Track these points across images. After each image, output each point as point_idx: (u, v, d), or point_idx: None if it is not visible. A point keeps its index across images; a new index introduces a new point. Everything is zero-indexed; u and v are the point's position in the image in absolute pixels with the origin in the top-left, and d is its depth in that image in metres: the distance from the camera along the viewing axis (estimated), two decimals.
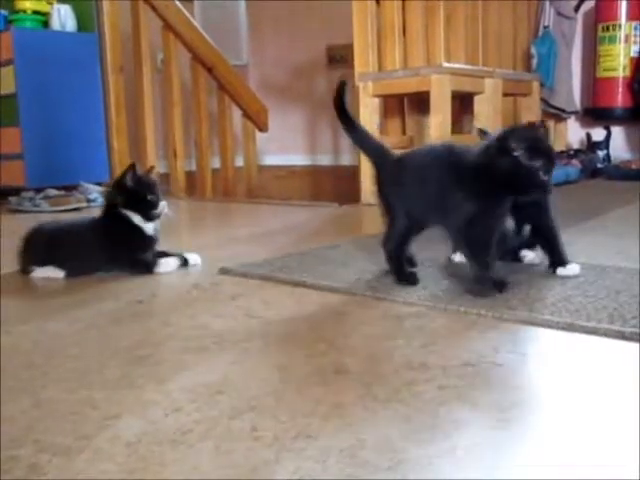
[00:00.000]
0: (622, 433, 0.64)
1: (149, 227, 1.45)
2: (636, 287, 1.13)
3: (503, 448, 0.63)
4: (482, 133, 1.27)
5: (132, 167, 1.43)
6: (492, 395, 0.74)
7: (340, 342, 0.94)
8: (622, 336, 0.91)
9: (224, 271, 1.40)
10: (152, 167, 1.65)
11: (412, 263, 1.29)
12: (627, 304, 1.04)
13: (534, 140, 1.09)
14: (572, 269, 1.24)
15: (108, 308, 1.19)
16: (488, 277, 1.13)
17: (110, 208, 1.45)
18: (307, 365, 0.85)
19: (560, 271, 1.24)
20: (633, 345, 0.88)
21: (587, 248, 1.52)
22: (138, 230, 1.43)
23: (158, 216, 1.45)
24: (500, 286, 1.13)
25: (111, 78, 3.19)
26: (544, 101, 3.58)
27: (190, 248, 1.58)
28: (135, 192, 1.41)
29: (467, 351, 0.89)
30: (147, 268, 1.43)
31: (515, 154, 1.07)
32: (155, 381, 0.82)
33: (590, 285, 1.16)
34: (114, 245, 1.43)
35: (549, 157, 1.09)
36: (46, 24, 3.62)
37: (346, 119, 1.32)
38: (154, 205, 1.43)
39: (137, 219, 1.43)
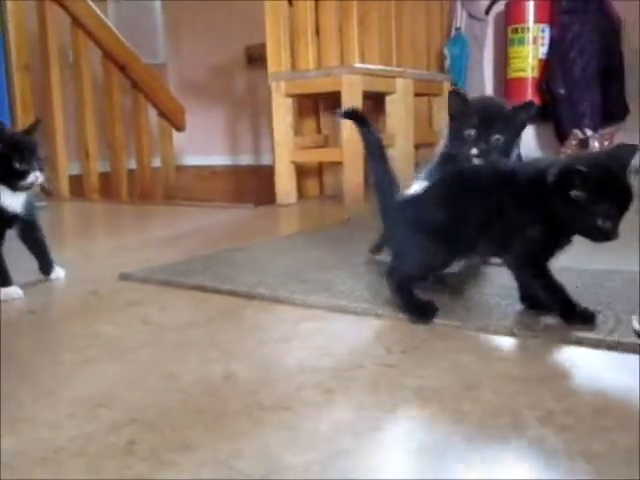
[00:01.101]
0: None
1: (12, 202, 1.22)
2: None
3: (388, 449, 0.63)
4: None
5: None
6: (379, 395, 0.74)
7: (233, 348, 0.93)
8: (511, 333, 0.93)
9: (124, 277, 1.36)
10: (38, 121, 1.37)
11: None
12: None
13: (603, 179, 0.88)
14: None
15: None
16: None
17: None
18: (196, 373, 0.83)
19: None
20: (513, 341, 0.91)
21: None
22: None
23: (27, 188, 1.22)
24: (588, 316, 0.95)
25: (16, 76, 3.06)
26: None
27: (95, 252, 1.53)
28: None
29: (360, 353, 0.89)
30: None
31: (574, 196, 0.89)
32: (37, 394, 0.78)
33: (484, 283, 1.19)
34: None
35: (620, 200, 0.89)
36: None
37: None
38: (21, 174, 1.19)
39: None
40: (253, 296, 1.17)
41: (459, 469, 0.58)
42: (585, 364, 0.84)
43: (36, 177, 1.22)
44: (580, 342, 0.89)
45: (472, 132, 1.19)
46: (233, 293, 1.20)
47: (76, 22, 3.32)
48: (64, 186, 3.30)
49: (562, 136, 3.64)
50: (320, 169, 2.98)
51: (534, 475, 0.58)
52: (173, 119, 3.91)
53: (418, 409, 0.71)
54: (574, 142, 3.51)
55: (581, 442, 0.61)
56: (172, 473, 0.59)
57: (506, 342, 0.92)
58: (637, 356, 0.83)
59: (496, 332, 0.94)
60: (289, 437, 0.65)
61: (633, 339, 0.87)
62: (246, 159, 4.87)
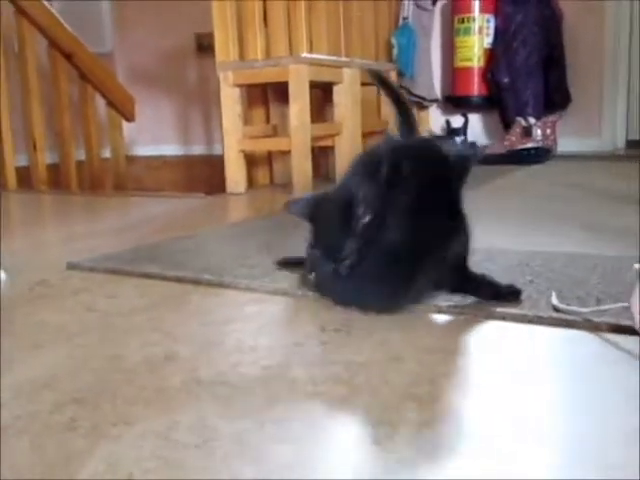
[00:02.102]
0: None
1: None
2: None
3: (313, 420, 0.68)
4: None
5: None
6: (312, 370, 0.79)
7: (176, 331, 0.96)
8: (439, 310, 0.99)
9: (71, 266, 1.37)
10: None
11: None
12: None
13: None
14: None
15: None
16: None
17: None
18: (138, 355, 0.86)
19: None
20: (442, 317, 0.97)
21: None
22: None
23: None
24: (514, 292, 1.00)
25: None
26: (407, 90, 3.74)
27: (43, 242, 1.54)
28: None
29: (297, 332, 0.93)
30: None
31: None
32: None
33: None
34: None
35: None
36: None
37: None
38: None
39: None
40: (199, 282, 1.20)
41: (382, 431, 0.63)
42: (507, 337, 0.90)
43: None
44: (504, 317, 0.95)
45: None
46: (179, 279, 1.23)
47: (20, 10, 3.27)
48: (11, 178, 3.25)
49: (507, 124, 3.75)
50: (270, 158, 3.02)
51: (440, 433, 0.64)
52: (122, 109, 3.88)
53: (347, 381, 0.76)
54: (518, 130, 3.62)
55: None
56: (113, 446, 0.62)
57: (433, 319, 0.98)
58: (554, 329, 0.90)
59: (424, 310, 0.99)
60: (225, 409, 0.69)
61: (552, 313, 0.94)
62: (197, 149, 4.87)
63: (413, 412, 0.67)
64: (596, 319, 0.89)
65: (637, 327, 0.82)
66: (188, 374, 0.79)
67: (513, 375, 0.77)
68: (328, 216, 0.93)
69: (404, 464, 0.57)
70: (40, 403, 0.73)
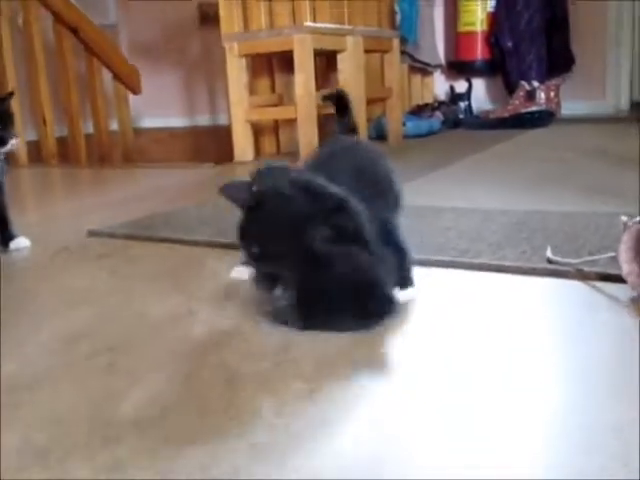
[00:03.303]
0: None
1: None
2: (464, 224, 1.29)
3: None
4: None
5: None
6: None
7: (195, 290, 1.03)
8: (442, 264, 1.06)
9: (92, 233, 1.45)
10: (12, 92, 1.45)
11: None
12: (453, 238, 1.19)
13: None
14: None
15: None
16: None
17: None
18: (162, 311, 0.94)
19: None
20: (451, 271, 1.04)
21: (432, 193, 1.69)
22: None
23: (5, 154, 1.32)
24: None
25: None
26: (410, 56, 3.76)
27: (59, 214, 1.61)
28: None
29: None
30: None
31: None
32: (21, 332, 0.88)
33: (422, 224, 1.31)
34: None
35: None
36: None
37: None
38: (2, 140, 1.29)
39: None
40: (214, 245, 1.27)
41: None
42: (502, 288, 0.97)
43: (13, 144, 1.32)
44: (499, 269, 1.02)
45: None
46: (195, 243, 1.30)
47: None
48: (22, 153, 3.31)
49: (510, 88, 3.77)
50: (276, 127, 3.06)
51: None
52: (128, 82, 3.91)
53: None
54: (521, 94, 3.64)
55: None
56: (148, 385, 0.70)
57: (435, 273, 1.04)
58: (547, 279, 0.97)
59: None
60: (243, 352, 0.77)
61: (545, 265, 1.01)
62: (203, 120, 4.90)
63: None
64: (586, 269, 0.96)
65: (624, 275, 0.88)
66: (209, 326, 0.86)
67: (506, 320, 0.84)
68: (272, 217, 0.80)
69: None
70: (79, 352, 0.80)
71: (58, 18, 3.48)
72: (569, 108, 3.69)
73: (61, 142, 3.58)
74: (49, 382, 0.73)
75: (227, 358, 0.76)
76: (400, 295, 0.87)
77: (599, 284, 0.93)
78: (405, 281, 0.90)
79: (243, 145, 2.65)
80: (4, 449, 0.59)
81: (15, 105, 3.28)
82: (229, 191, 0.83)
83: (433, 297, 0.93)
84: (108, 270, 1.18)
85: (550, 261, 1.01)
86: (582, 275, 0.95)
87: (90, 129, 3.80)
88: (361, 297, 0.81)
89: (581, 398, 0.63)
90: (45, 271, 1.22)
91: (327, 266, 0.79)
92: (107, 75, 3.88)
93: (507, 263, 1.02)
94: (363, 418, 0.61)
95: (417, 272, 0.93)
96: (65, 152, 3.62)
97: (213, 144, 4.39)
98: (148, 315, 0.93)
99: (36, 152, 3.48)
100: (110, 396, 0.68)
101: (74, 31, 3.55)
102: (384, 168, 0.99)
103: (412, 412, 0.62)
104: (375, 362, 0.74)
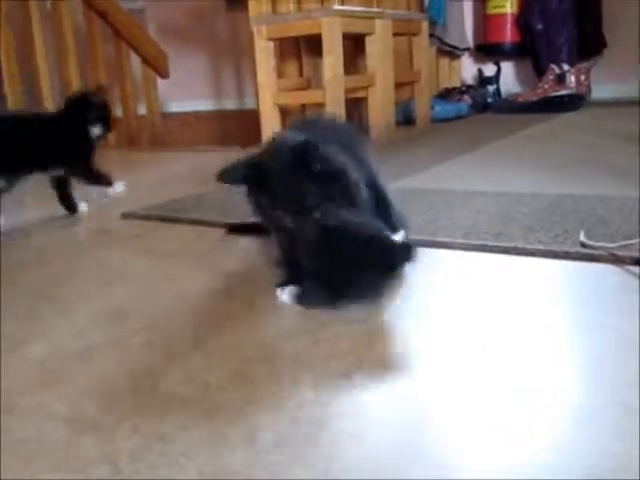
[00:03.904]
0: None
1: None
2: (495, 207, 1.29)
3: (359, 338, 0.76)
4: None
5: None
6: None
7: (230, 269, 1.05)
8: (469, 247, 1.06)
9: (126, 215, 1.47)
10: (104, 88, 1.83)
11: None
12: (484, 222, 1.19)
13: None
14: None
15: (14, 256, 1.25)
16: None
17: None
18: (198, 289, 0.96)
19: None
20: (479, 255, 1.04)
21: (461, 177, 1.69)
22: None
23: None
24: None
25: None
26: (438, 39, 3.72)
27: (91, 196, 1.64)
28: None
29: None
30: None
31: None
32: (60, 312, 0.90)
33: (452, 208, 1.31)
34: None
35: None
36: None
37: None
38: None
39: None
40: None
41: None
42: (536, 272, 0.97)
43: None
44: (533, 253, 1.02)
45: None
46: (225, 225, 1.31)
47: None
48: None
49: (540, 71, 3.72)
50: (303, 110, 3.06)
51: None
52: (156, 66, 3.94)
53: None
54: (551, 77, 3.59)
55: None
56: (187, 361, 0.72)
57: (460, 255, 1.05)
58: (581, 263, 0.97)
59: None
60: (281, 330, 0.78)
61: (579, 249, 1.00)
62: (229, 103, 4.92)
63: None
64: (620, 253, 0.95)
65: None
66: (245, 303, 0.88)
67: (540, 305, 0.84)
68: (278, 171, 0.84)
69: None
70: (119, 328, 0.83)
71: (87, 2, 3.50)
72: (599, 91, 3.64)
73: None
74: (95, 353, 0.75)
75: (264, 335, 0.77)
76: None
77: (634, 268, 0.93)
78: (394, 227, 0.97)
79: (271, 128, 2.65)
80: (53, 417, 0.61)
81: (45, 89, 3.33)
82: (229, 176, 0.87)
83: (466, 281, 0.94)
84: (143, 249, 1.21)
85: (584, 245, 1.01)
86: (617, 259, 0.95)
87: (119, 112, 3.84)
88: (380, 254, 0.83)
89: (616, 381, 0.63)
90: (85, 250, 1.25)
91: (338, 239, 0.82)
92: (135, 59, 3.91)
93: (540, 247, 1.02)
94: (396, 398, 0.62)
95: (449, 255, 0.93)
96: None
97: (240, 127, 4.41)
98: (184, 292, 0.95)
99: None
100: (149, 372, 0.70)
101: (103, 15, 3.58)
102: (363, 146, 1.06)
103: (438, 404, 0.63)
104: (406, 347, 0.75)
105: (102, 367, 0.72)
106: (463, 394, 0.62)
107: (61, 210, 1.54)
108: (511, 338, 0.74)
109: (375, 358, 0.70)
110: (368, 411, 0.60)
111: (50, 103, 3.34)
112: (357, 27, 2.56)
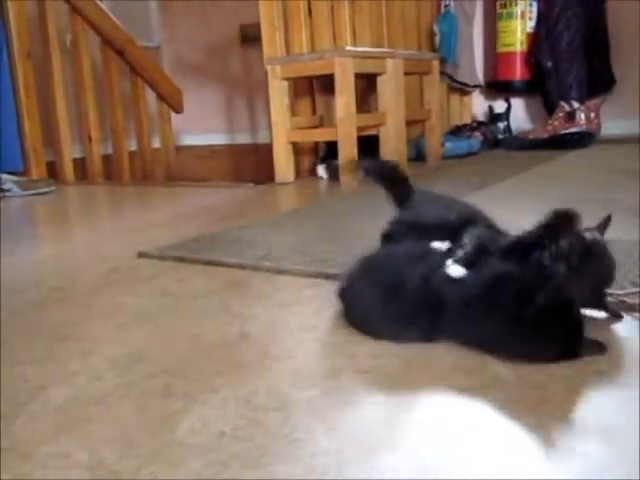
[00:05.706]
0: None
1: None
2: None
3: (371, 389, 0.77)
4: None
5: None
6: (371, 345, 0.88)
7: (244, 312, 1.07)
8: None
9: (142, 255, 1.50)
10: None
11: None
12: None
13: None
14: None
15: (30, 295, 1.27)
16: None
17: None
18: (214, 334, 0.97)
19: None
20: None
21: None
22: None
23: None
24: None
25: (19, 65, 3.16)
26: (449, 77, 3.78)
27: (108, 233, 1.67)
28: None
29: None
30: None
31: None
32: (77, 355, 0.92)
33: None
34: None
35: None
36: None
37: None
38: None
39: None
40: (259, 268, 1.31)
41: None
42: None
43: None
44: None
45: None
46: (241, 266, 1.34)
47: (74, 9, 3.42)
48: (68, 171, 3.42)
49: (550, 108, 3.76)
50: (316, 147, 3.11)
51: None
52: (171, 101, 4.02)
53: (401, 356, 0.85)
54: (561, 114, 3.63)
55: None
56: (203, 409, 0.73)
57: None
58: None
59: None
60: (294, 378, 0.80)
61: None
62: (242, 137, 4.99)
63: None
64: (630, 300, 0.96)
65: None
66: (260, 350, 0.90)
67: None
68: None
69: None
70: (136, 373, 0.84)
71: (106, 40, 3.60)
72: (609, 128, 3.66)
73: (105, 159, 3.69)
74: (114, 399, 0.77)
75: (279, 383, 0.79)
76: None
77: None
78: None
79: (285, 167, 2.70)
80: (74, 464, 0.63)
81: (63, 124, 3.40)
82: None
83: None
84: (159, 291, 1.23)
85: None
86: (626, 306, 0.96)
87: (133, 147, 3.91)
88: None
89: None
90: (99, 291, 1.27)
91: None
92: (151, 95, 3.99)
93: None
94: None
95: None
96: (109, 169, 3.73)
97: (252, 162, 4.47)
98: (200, 337, 0.97)
99: (82, 169, 3.59)
100: (166, 419, 0.72)
101: (120, 52, 3.68)
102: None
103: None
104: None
105: (119, 412, 0.74)
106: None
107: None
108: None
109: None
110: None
111: (67, 139, 3.41)
112: (369, 67, 2.62)
